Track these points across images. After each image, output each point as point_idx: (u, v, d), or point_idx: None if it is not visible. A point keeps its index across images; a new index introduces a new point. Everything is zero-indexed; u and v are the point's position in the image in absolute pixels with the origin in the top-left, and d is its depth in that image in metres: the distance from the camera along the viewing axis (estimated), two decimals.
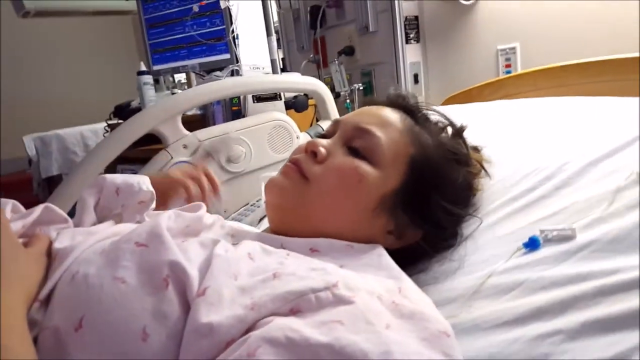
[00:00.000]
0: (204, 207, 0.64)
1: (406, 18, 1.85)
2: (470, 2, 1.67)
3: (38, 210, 0.54)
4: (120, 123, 1.92)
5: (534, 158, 0.73)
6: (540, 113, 0.90)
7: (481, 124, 0.95)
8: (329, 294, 0.40)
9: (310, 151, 0.59)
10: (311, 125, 1.69)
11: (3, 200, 0.57)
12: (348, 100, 1.99)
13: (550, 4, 1.45)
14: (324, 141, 0.60)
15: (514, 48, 1.58)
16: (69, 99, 3.34)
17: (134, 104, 1.91)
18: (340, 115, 1.41)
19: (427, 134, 0.63)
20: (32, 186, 2.82)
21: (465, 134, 0.70)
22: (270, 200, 0.60)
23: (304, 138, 1.31)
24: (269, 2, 1.54)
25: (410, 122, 0.63)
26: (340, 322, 0.37)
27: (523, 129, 0.86)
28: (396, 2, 1.81)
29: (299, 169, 0.58)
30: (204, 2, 1.64)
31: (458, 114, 1.05)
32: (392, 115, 0.62)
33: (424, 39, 1.89)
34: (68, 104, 3.30)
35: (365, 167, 0.57)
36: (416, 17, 1.87)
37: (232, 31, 1.65)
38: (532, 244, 0.56)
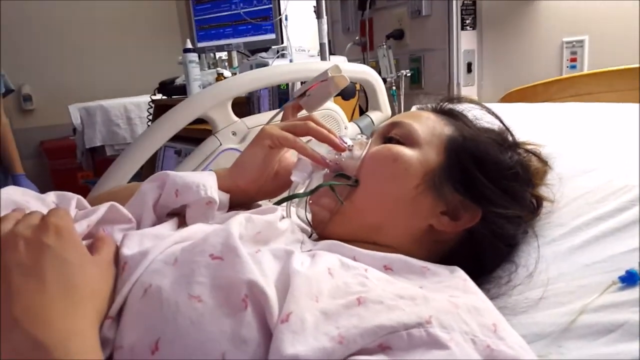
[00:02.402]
0: (279, 210, 0.61)
1: (463, 3, 1.75)
2: None
3: (103, 208, 0.51)
4: (164, 100, 1.93)
5: (622, 172, 0.66)
6: (624, 120, 0.82)
7: (553, 127, 0.88)
8: (422, 332, 0.37)
9: (341, 149, 0.61)
10: (352, 114, 1.64)
11: (68, 194, 0.55)
12: (394, 87, 1.92)
13: None
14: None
15: (581, 41, 1.47)
16: (114, 71, 3.37)
17: (179, 81, 1.89)
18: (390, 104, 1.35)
19: (463, 122, 0.62)
20: (76, 154, 2.88)
21: (534, 137, 0.67)
22: (316, 209, 0.59)
23: (351, 128, 1.25)
24: None
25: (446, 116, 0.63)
26: None
27: (605, 137, 0.79)
28: None
29: (334, 167, 0.60)
30: None
31: (525, 114, 0.98)
32: (427, 112, 0.64)
33: (481, 26, 1.78)
34: (113, 76, 3.33)
35: (400, 147, 0.57)
36: (474, 2, 1.76)
37: (282, 11, 1.60)
38: (630, 279, 0.50)
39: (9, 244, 0.38)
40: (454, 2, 1.73)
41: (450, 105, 0.65)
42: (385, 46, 1.91)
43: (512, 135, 0.65)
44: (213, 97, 1.03)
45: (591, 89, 1.07)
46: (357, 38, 2.19)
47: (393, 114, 1.43)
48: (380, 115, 1.31)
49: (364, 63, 2.16)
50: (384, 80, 1.92)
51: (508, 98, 1.28)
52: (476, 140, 0.58)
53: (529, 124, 0.92)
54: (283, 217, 0.59)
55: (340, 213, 0.57)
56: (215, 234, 0.46)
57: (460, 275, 0.49)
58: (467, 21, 1.77)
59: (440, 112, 0.64)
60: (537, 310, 0.52)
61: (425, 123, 0.60)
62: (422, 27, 1.91)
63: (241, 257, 0.43)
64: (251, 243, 0.50)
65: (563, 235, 0.62)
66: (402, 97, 1.92)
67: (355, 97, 1.53)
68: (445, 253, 0.59)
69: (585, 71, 1.45)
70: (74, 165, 3.03)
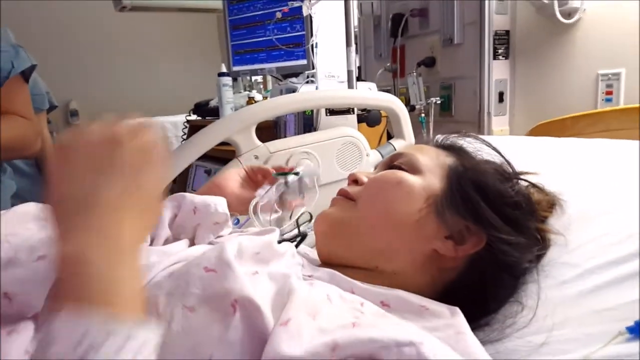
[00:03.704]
0: (277, 232, 0.62)
1: (496, 32, 1.74)
2: (571, 20, 1.53)
3: None
4: (198, 120, 2.00)
5: None
6: None
7: (575, 164, 0.86)
8: (413, 350, 0.37)
9: (352, 180, 0.64)
10: (380, 140, 1.64)
11: None
12: (423, 114, 1.92)
13: None
14: (366, 172, 0.65)
15: (618, 74, 1.43)
16: (155, 90, 3.52)
17: (213, 103, 1.96)
18: (415, 133, 1.35)
19: (463, 155, 0.65)
20: None
21: (553, 174, 0.69)
22: (320, 229, 0.61)
23: (374, 156, 1.26)
24: (351, 12, 1.50)
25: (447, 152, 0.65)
26: None
27: (629, 176, 0.76)
28: (486, 14, 1.71)
29: (345, 194, 0.62)
30: (287, 9, 1.64)
31: (548, 148, 0.96)
32: (429, 146, 0.67)
33: (514, 56, 1.76)
34: (154, 95, 3.48)
35: (404, 173, 0.59)
36: (507, 32, 1.75)
37: (312, 39, 1.63)
38: (637, 330, 0.48)
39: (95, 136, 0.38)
40: (486, 31, 1.72)
41: (452, 139, 0.67)
42: (415, 73, 1.92)
43: (511, 167, 0.66)
44: (237, 122, 1.06)
45: (622, 124, 1.04)
46: (388, 64, 2.20)
47: (422, 140, 1.42)
48: (404, 143, 1.31)
49: (394, 89, 2.17)
50: (413, 108, 1.93)
51: (536, 131, 1.25)
52: (476, 169, 0.60)
53: (550, 159, 0.90)
54: (282, 241, 0.61)
55: (345, 235, 0.58)
56: (212, 250, 0.49)
57: (455, 323, 0.47)
58: (500, 50, 1.76)
59: (442, 146, 0.66)
60: (539, 355, 0.50)
61: (428, 154, 0.62)
62: (453, 55, 1.91)
63: (233, 270, 0.45)
64: (251, 263, 0.52)
65: (574, 278, 0.59)
66: (431, 125, 1.91)
67: (382, 123, 1.54)
68: (449, 282, 0.58)
69: (622, 105, 1.40)
70: None
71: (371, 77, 2.26)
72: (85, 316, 0.30)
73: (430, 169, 0.60)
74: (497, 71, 1.77)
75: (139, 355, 0.30)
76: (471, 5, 1.76)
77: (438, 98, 1.92)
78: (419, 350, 0.37)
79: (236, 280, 0.44)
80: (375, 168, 0.67)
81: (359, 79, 2.04)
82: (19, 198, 1.06)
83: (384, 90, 2.26)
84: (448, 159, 0.62)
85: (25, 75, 1.00)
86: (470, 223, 0.56)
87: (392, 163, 0.63)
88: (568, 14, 1.54)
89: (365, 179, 0.62)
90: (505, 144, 1.03)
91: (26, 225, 0.53)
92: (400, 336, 0.38)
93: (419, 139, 1.38)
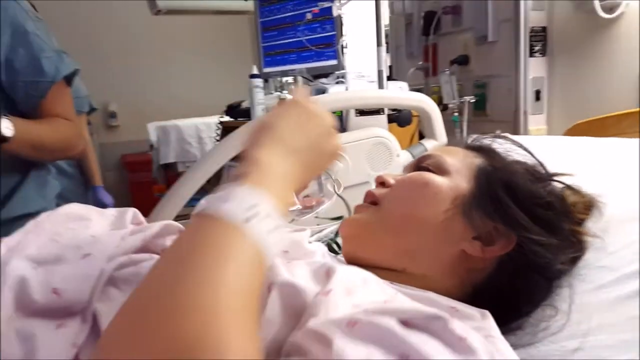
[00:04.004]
0: (308, 232, 0.63)
1: (532, 29, 1.69)
2: (612, 15, 1.47)
3: (159, 225, 0.55)
4: (231, 121, 2.04)
5: None
6: None
7: (616, 165, 0.82)
8: (442, 324, 0.38)
9: (380, 182, 0.63)
10: (411, 140, 1.63)
11: (127, 209, 0.60)
12: (456, 113, 1.89)
13: None
14: (393, 174, 0.64)
15: None
16: (188, 92, 3.60)
17: (245, 104, 1.99)
18: (448, 133, 1.33)
19: (493, 155, 0.63)
20: (151, 168, 3.09)
21: (591, 174, 0.66)
22: (345, 233, 0.61)
23: (404, 156, 1.25)
24: (382, 11, 1.49)
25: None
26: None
27: None
28: (522, 11, 1.66)
29: (371, 195, 0.61)
30: (317, 9, 1.64)
31: (587, 148, 0.93)
32: (458, 147, 0.65)
33: (552, 53, 1.71)
34: (189, 97, 3.56)
35: (431, 174, 0.59)
36: (544, 29, 1.70)
37: (341, 39, 1.64)
38: None
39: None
40: (522, 28, 1.68)
41: (482, 142, 0.66)
42: (448, 72, 1.89)
43: (544, 168, 0.64)
44: None
45: None
46: (420, 63, 2.18)
47: (454, 140, 1.40)
48: (436, 143, 1.29)
49: (426, 88, 2.14)
50: (446, 107, 1.90)
51: (574, 130, 1.21)
52: (506, 170, 0.59)
53: (590, 159, 0.87)
54: (312, 241, 0.61)
55: (371, 236, 0.58)
56: None
57: (486, 326, 0.46)
58: (537, 47, 1.71)
59: (471, 147, 0.65)
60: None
61: (456, 155, 0.62)
62: (488, 53, 1.87)
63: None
64: (281, 259, 0.52)
65: (612, 282, 0.57)
66: (464, 124, 1.88)
67: (413, 123, 1.53)
68: (479, 283, 0.57)
69: None
70: (149, 179, 3.25)
71: (402, 76, 2.24)
72: (259, 194, 0.39)
73: (458, 170, 0.59)
74: (534, 69, 1.72)
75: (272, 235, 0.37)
76: (506, 2, 1.72)
77: (472, 97, 1.89)
78: (449, 327, 0.37)
79: (271, 270, 0.45)
80: (404, 169, 0.66)
81: (389, 78, 2.03)
82: (62, 198, 1.11)
83: (415, 90, 2.24)
84: (477, 160, 0.61)
85: (69, 79, 1.05)
86: (498, 224, 0.55)
87: (420, 165, 0.62)
88: (609, 9, 1.48)
89: (392, 181, 0.62)
90: (541, 144, 1.01)
91: (69, 225, 0.56)
92: (430, 311, 0.39)
93: (451, 138, 1.36)
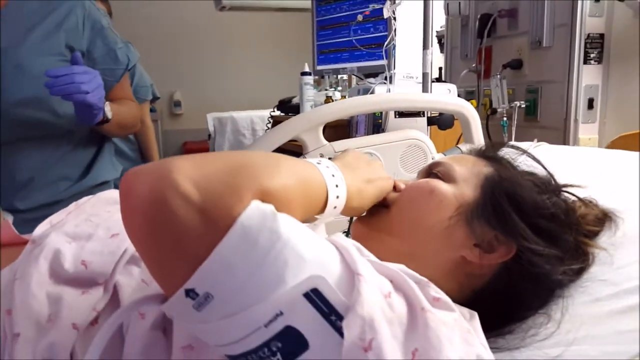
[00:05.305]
0: (322, 228, 0.68)
1: (588, 35, 1.64)
2: None
3: None
4: (281, 116, 2.13)
5: None
6: None
7: None
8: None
9: (393, 187, 0.66)
10: (458, 143, 1.63)
11: None
12: (505, 118, 1.86)
13: None
14: (405, 179, 0.68)
15: None
16: (247, 85, 3.76)
17: (295, 100, 2.08)
18: (496, 137, 1.33)
19: (504, 165, 0.65)
20: None
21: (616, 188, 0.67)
22: (354, 231, 0.64)
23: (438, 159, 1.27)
24: (430, 14, 1.51)
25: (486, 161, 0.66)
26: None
27: None
28: (578, 17, 1.62)
29: (383, 200, 0.64)
30: (368, 11, 1.68)
31: (615, 161, 0.91)
32: (470, 156, 0.67)
33: (608, 61, 1.65)
34: (245, 89, 3.72)
35: (438, 182, 0.61)
36: (601, 35, 1.64)
37: (391, 40, 1.67)
38: None
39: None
40: (577, 34, 1.63)
41: (494, 151, 0.68)
42: (499, 76, 1.87)
43: (554, 180, 0.65)
44: (305, 122, 1.14)
45: None
46: (473, 65, 2.16)
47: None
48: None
49: (478, 91, 2.12)
50: (495, 111, 1.88)
51: (617, 143, 1.18)
52: (511, 180, 0.60)
53: (620, 173, 0.86)
54: None
55: (377, 237, 0.61)
56: None
57: (474, 326, 0.49)
58: (592, 55, 1.65)
59: (483, 156, 0.67)
60: None
61: (465, 163, 0.64)
62: (542, 58, 1.83)
63: None
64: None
65: (610, 296, 0.59)
66: (513, 129, 1.86)
67: (458, 127, 1.53)
68: (478, 288, 0.59)
69: None
70: None
71: (455, 77, 2.23)
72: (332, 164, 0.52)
73: (465, 179, 0.61)
74: (588, 76, 1.66)
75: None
76: (563, 7, 1.67)
77: (523, 102, 1.85)
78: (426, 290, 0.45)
79: None
80: (418, 175, 0.70)
81: (439, 79, 2.04)
82: None
83: (467, 92, 2.23)
84: (485, 169, 0.63)
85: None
86: (499, 233, 0.57)
87: (430, 171, 0.65)
88: None
89: (403, 186, 0.65)
90: (573, 156, 1.00)
91: (107, 208, 0.64)
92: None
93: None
